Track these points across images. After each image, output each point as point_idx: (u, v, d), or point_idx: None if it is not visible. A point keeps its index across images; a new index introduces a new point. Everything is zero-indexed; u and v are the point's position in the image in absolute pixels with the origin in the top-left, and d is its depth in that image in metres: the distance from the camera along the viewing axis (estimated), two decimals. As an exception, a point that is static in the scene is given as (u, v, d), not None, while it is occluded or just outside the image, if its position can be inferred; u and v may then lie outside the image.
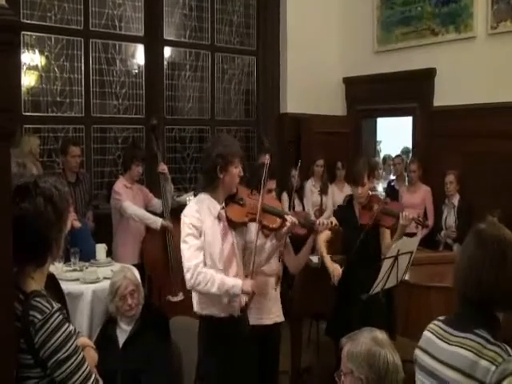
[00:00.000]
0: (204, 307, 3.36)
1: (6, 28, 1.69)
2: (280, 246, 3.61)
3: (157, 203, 5.88)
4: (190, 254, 3.24)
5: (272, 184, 3.84)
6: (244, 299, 3.39)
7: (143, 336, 3.74)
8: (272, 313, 3.88)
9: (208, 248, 3.29)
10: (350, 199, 4.62)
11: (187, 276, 3.23)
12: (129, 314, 3.79)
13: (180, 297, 5.47)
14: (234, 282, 3.24)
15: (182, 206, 4.46)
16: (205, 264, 3.26)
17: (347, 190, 7.01)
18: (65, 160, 5.76)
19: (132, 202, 5.59)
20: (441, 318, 2.16)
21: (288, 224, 3.39)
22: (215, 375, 3.37)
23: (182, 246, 3.29)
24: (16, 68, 5.58)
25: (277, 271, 3.93)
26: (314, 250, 4.57)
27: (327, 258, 4.41)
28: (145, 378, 3.61)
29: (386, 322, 4.14)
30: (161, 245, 5.59)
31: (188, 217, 3.31)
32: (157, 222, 5.54)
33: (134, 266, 4.91)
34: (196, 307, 3.42)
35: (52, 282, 2.08)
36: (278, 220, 3.42)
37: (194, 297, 3.42)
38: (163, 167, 5.82)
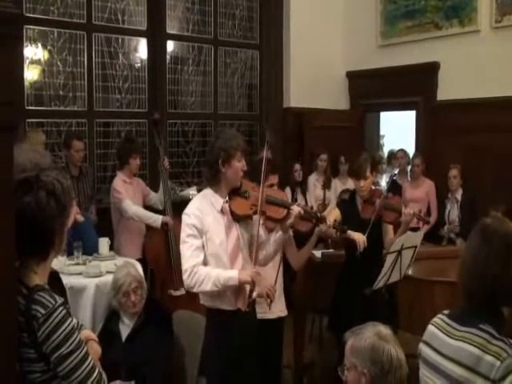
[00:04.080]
0: (209, 299, 3.35)
1: (7, 20, 1.67)
2: (286, 238, 3.60)
3: (154, 197, 5.85)
4: (189, 255, 3.23)
5: (274, 178, 3.82)
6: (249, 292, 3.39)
7: (146, 330, 3.74)
8: (276, 307, 3.88)
9: (212, 243, 3.27)
10: (352, 194, 4.61)
11: (184, 277, 3.23)
12: (132, 311, 3.79)
13: (182, 291, 5.44)
14: (231, 273, 3.21)
15: (185, 200, 4.46)
16: (205, 264, 3.25)
17: (350, 184, 7.00)
18: (68, 154, 5.75)
19: (132, 199, 5.57)
20: (445, 312, 2.15)
21: (293, 214, 3.38)
22: (218, 368, 3.36)
23: (182, 247, 3.28)
24: (19, 62, 5.56)
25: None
26: (316, 245, 4.56)
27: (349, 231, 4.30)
28: (147, 371, 3.62)
29: (388, 316, 4.13)
30: (162, 240, 5.57)
31: (189, 215, 3.29)
32: (157, 220, 5.51)
33: (137, 260, 4.92)
34: (202, 299, 3.41)
35: (54, 278, 2.07)
36: (283, 211, 3.40)
37: None
38: (167, 164, 5.80)
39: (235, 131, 3.63)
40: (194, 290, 3.25)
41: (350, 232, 4.17)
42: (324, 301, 4.64)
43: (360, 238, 4.15)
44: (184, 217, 3.33)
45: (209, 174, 3.37)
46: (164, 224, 5.51)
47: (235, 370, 3.33)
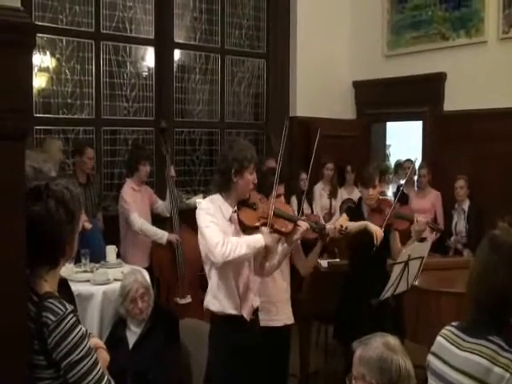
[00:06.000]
0: (216, 302, 3.34)
1: (15, 29, 1.69)
2: (291, 250, 3.60)
3: (161, 205, 5.85)
4: (217, 233, 3.18)
5: (281, 188, 3.83)
6: (255, 302, 3.40)
7: (153, 337, 3.74)
8: (282, 314, 3.88)
9: None
10: (358, 202, 4.62)
11: (216, 250, 3.13)
12: (139, 318, 3.80)
13: (188, 299, 5.46)
14: (256, 237, 3.24)
15: (192, 208, 4.46)
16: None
17: (356, 193, 7.01)
18: (79, 161, 5.77)
19: (139, 206, 5.59)
20: (454, 323, 2.15)
21: (300, 229, 3.39)
22: (223, 376, 3.36)
23: (205, 231, 3.22)
24: (29, 70, 5.60)
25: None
26: (322, 254, 4.57)
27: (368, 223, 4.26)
28: (154, 378, 3.62)
29: (395, 326, 4.13)
30: (169, 248, 5.58)
31: (205, 210, 3.29)
32: (163, 237, 5.48)
33: (143, 268, 4.92)
34: (207, 303, 3.40)
35: (63, 285, 2.07)
36: (290, 225, 3.41)
37: (209, 291, 3.40)
38: (173, 172, 5.80)
39: (248, 142, 3.64)
40: (229, 259, 3.15)
41: (370, 225, 4.19)
42: (329, 310, 4.65)
43: (378, 231, 4.15)
44: (200, 211, 3.30)
45: (220, 181, 3.36)
46: (168, 242, 5.49)
47: (241, 377, 3.33)
